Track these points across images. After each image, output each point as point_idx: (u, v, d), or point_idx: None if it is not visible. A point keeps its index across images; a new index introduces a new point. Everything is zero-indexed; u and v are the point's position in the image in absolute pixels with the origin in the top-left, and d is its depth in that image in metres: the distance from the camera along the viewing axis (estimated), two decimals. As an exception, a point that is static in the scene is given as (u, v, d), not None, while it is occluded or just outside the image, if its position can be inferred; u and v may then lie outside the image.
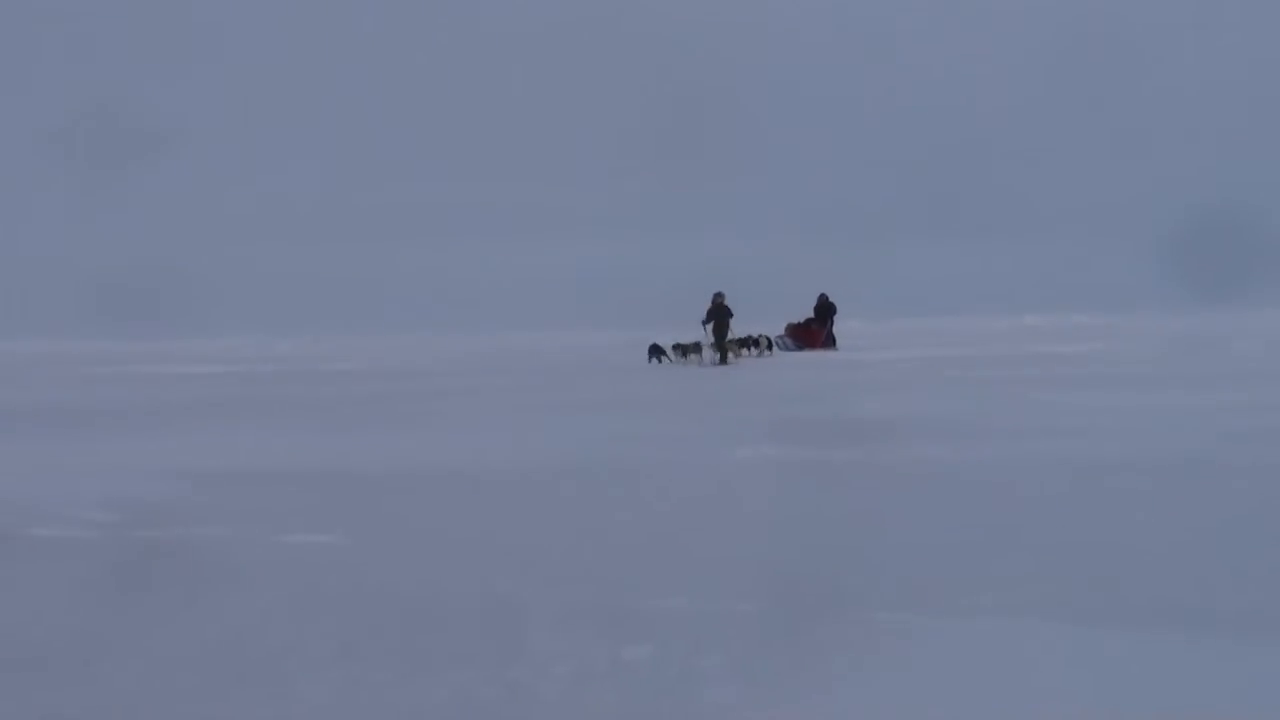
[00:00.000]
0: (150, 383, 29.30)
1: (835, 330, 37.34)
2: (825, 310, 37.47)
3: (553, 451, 12.48)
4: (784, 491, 9.67)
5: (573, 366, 30.38)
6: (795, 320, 37.33)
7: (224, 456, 12.56)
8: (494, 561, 7.17)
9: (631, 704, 4.72)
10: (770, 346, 34.36)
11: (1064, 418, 14.52)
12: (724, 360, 31.20)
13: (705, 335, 31.59)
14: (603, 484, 10.25)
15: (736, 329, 32.08)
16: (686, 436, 13.71)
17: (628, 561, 7.13)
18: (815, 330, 37.00)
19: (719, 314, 31.42)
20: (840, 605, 5.96)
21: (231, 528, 8.38)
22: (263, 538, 8.01)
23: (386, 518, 8.79)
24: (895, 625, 5.63)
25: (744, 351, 32.96)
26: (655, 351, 32.12)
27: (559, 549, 7.53)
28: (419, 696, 4.85)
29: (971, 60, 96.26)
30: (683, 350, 31.85)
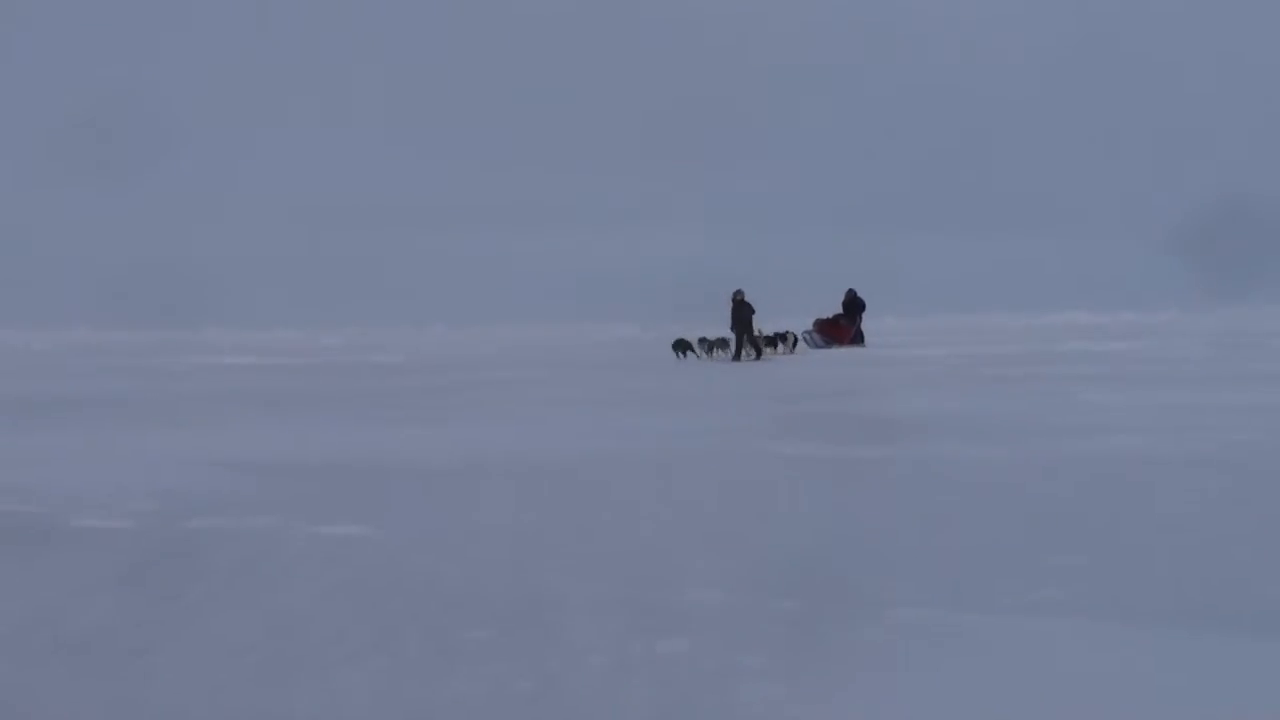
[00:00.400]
0: (193, 374, 29.58)
1: (863, 327, 37.16)
2: (853, 306, 37.26)
3: (590, 445, 12.51)
4: (822, 488, 9.66)
5: (605, 360, 30.45)
6: (823, 316, 37.14)
7: (266, 448, 12.66)
8: (531, 554, 7.21)
9: (667, 698, 4.74)
10: (797, 343, 34.21)
11: (1105, 416, 14.43)
12: (758, 355, 31.23)
13: (732, 336, 31.63)
14: (640, 477, 10.28)
15: (763, 325, 31.95)
16: (724, 431, 13.71)
17: (664, 555, 7.15)
18: (844, 326, 36.89)
19: (740, 311, 31.32)
20: (879, 603, 5.95)
21: (273, 519, 8.45)
22: (303, 529, 8.08)
23: (426, 510, 8.85)
24: (934, 623, 5.63)
25: (771, 349, 32.83)
26: (681, 346, 31.94)
27: (595, 542, 7.56)
28: (457, 688, 4.90)
29: (997, 53, 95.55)
30: (709, 345, 31.83)
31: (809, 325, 36.60)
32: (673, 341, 32.20)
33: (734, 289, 31.59)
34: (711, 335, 31.97)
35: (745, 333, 31.35)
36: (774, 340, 33.09)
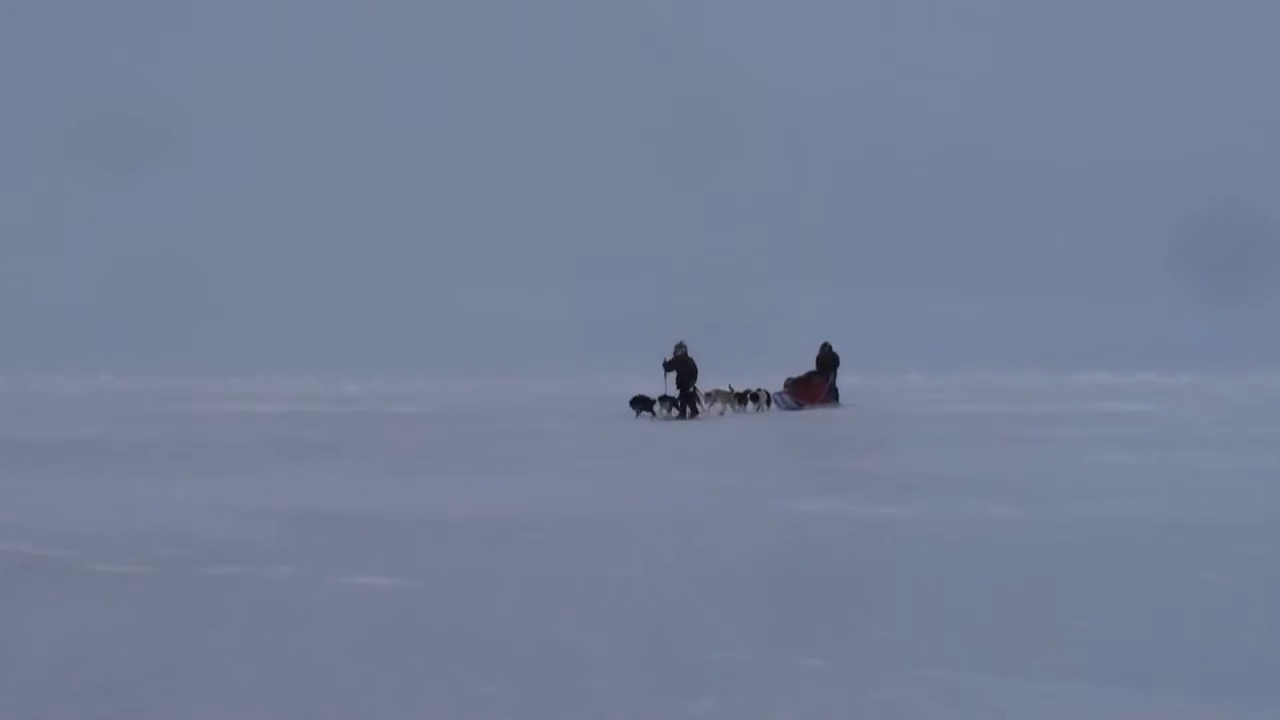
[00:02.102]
0: (217, 421, 29.68)
1: (839, 384, 34.93)
2: (828, 362, 34.62)
3: (613, 499, 12.50)
4: (844, 546, 9.63)
5: (626, 412, 30.21)
6: (794, 374, 34.58)
7: (289, 496, 12.68)
8: (555, 608, 7.19)
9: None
10: (769, 402, 32.77)
11: (1124, 478, 14.36)
12: (693, 414, 29.63)
13: (667, 384, 30.04)
14: (664, 533, 10.25)
15: (706, 382, 30.51)
16: (746, 487, 13.68)
17: (689, 612, 7.12)
18: (817, 384, 34.34)
19: (682, 366, 29.74)
20: (903, 663, 5.92)
21: (295, 568, 8.45)
22: (326, 579, 8.08)
23: (449, 562, 8.83)
24: (957, 684, 5.60)
25: (744, 407, 31.71)
26: (641, 404, 29.98)
27: (619, 597, 7.53)
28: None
29: (1007, 116, 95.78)
30: (669, 403, 30.02)
31: (780, 385, 34.29)
32: (631, 398, 30.20)
33: (676, 342, 30.05)
34: (673, 392, 30.12)
35: (683, 389, 29.77)
36: (744, 398, 31.99)
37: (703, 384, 30.48)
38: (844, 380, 35.26)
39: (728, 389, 31.57)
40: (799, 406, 33.38)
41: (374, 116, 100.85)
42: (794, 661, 5.94)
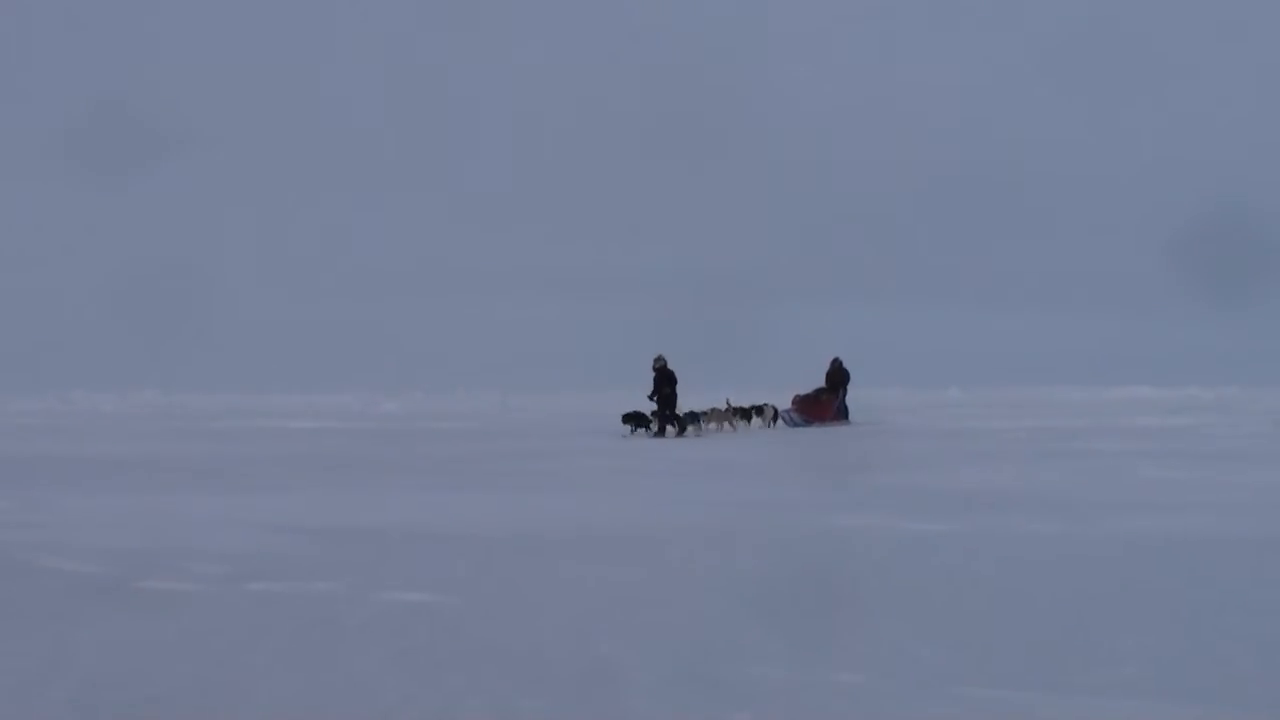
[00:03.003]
0: (256, 437, 29.88)
1: (849, 400, 33.75)
2: (837, 378, 33.58)
3: (651, 515, 12.52)
4: (885, 561, 9.60)
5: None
6: (802, 391, 33.59)
7: (329, 513, 12.76)
8: (594, 623, 7.21)
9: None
10: (776, 417, 31.97)
11: (1167, 492, 14.25)
12: (681, 432, 28.90)
13: (655, 400, 29.25)
14: (702, 549, 10.26)
15: (706, 399, 30.06)
16: (784, 501, 13.67)
17: (728, 627, 7.13)
18: (826, 401, 33.28)
19: (662, 379, 28.93)
20: (944, 679, 5.90)
21: (336, 584, 8.50)
22: (366, 595, 8.12)
23: (488, 578, 8.87)
24: (999, 702, 5.58)
25: (745, 422, 30.95)
26: (634, 420, 29.23)
27: (659, 612, 7.55)
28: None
29: (1023, 125, 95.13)
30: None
31: (788, 402, 33.37)
32: (624, 414, 29.46)
33: (655, 355, 29.32)
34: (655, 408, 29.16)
35: (668, 406, 29.01)
36: (749, 413, 31.23)
37: (686, 398, 29.65)
38: (866, 394, 34.72)
39: (725, 405, 30.78)
40: (807, 424, 32.48)
41: (374, 119, 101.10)
42: (832, 678, 5.94)
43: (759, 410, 31.56)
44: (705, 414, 30.08)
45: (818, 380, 33.80)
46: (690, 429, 29.38)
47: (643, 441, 26.90)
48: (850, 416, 33.41)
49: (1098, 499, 13.64)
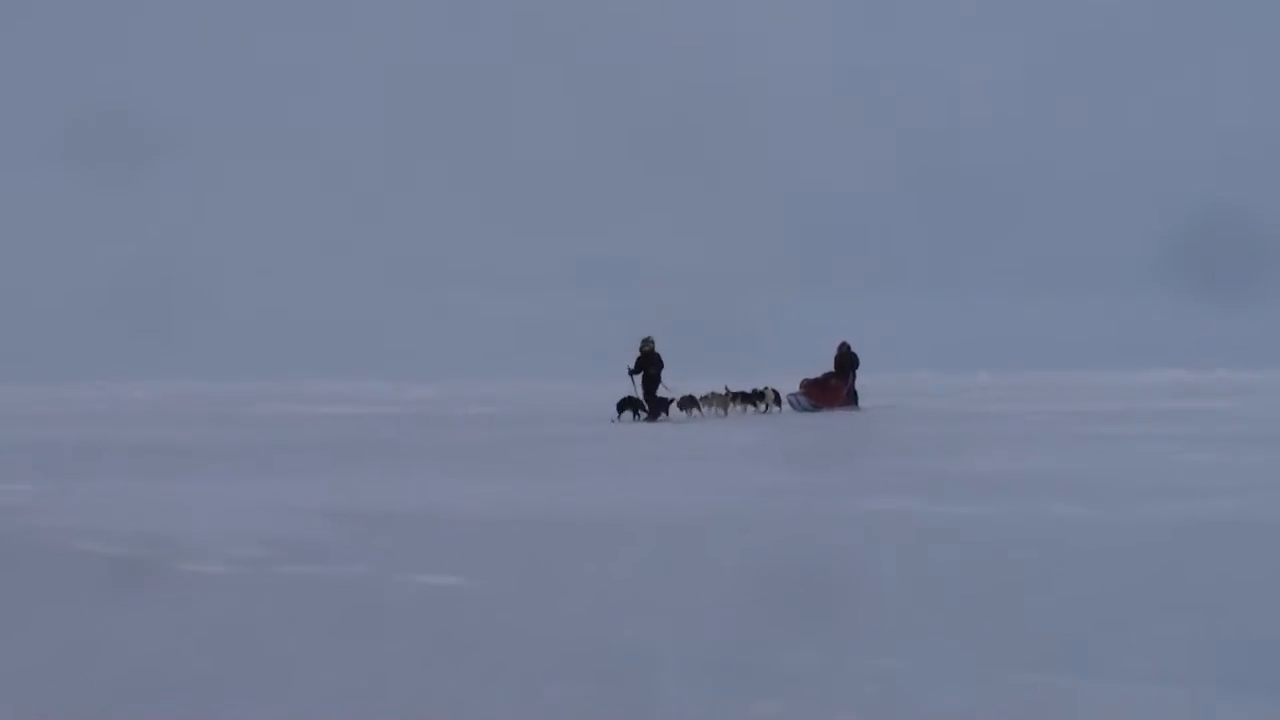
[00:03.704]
0: (290, 423, 30.04)
1: (858, 385, 32.98)
2: (846, 362, 32.85)
3: (684, 500, 12.52)
4: (920, 546, 9.58)
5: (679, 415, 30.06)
6: (810, 375, 32.84)
7: (363, 497, 12.82)
8: (624, 608, 7.22)
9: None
10: (778, 401, 31.17)
11: (1204, 477, 14.16)
12: (652, 417, 28.38)
13: (635, 387, 28.85)
14: (734, 534, 10.26)
15: (704, 384, 29.46)
16: (818, 486, 13.66)
17: (759, 612, 7.13)
18: (835, 386, 32.55)
19: (648, 363, 28.59)
20: (981, 664, 5.89)
21: (369, 567, 8.54)
22: (399, 578, 8.16)
23: (521, 562, 8.90)
24: (1039, 687, 5.56)
25: (747, 408, 30.32)
26: (630, 405, 28.75)
27: (688, 597, 7.56)
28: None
29: (1042, 110, 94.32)
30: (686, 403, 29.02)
31: (795, 385, 32.64)
32: (620, 399, 28.82)
33: (643, 337, 28.99)
34: (639, 393, 28.71)
35: (649, 389, 28.55)
36: (749, 398, 30.53)
37: (672, 380, 29.16)
38: (893, 379, 34.40)
39: (724, 390, 30.21)
40: (815, 409, 31.91)
41: (374, 118, 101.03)
42: (863, 663, 5.93)
43: (759, 395, 30.86)
44: (704, 398, 29.66)
45: (826, 365, 33.24)
46: (682, 413, 28.97)
47: (665, 427, 26.90)
48: (860, 402, 32.81)
49: (1132, 483, 13.56)
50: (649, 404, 28.80)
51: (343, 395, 48.35)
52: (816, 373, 32.93)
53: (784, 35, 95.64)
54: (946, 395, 42.62)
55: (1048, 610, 7.16)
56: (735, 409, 30.30)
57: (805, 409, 31.84)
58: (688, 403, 29.24)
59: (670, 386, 29.09)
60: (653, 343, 28.90)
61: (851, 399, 32.66)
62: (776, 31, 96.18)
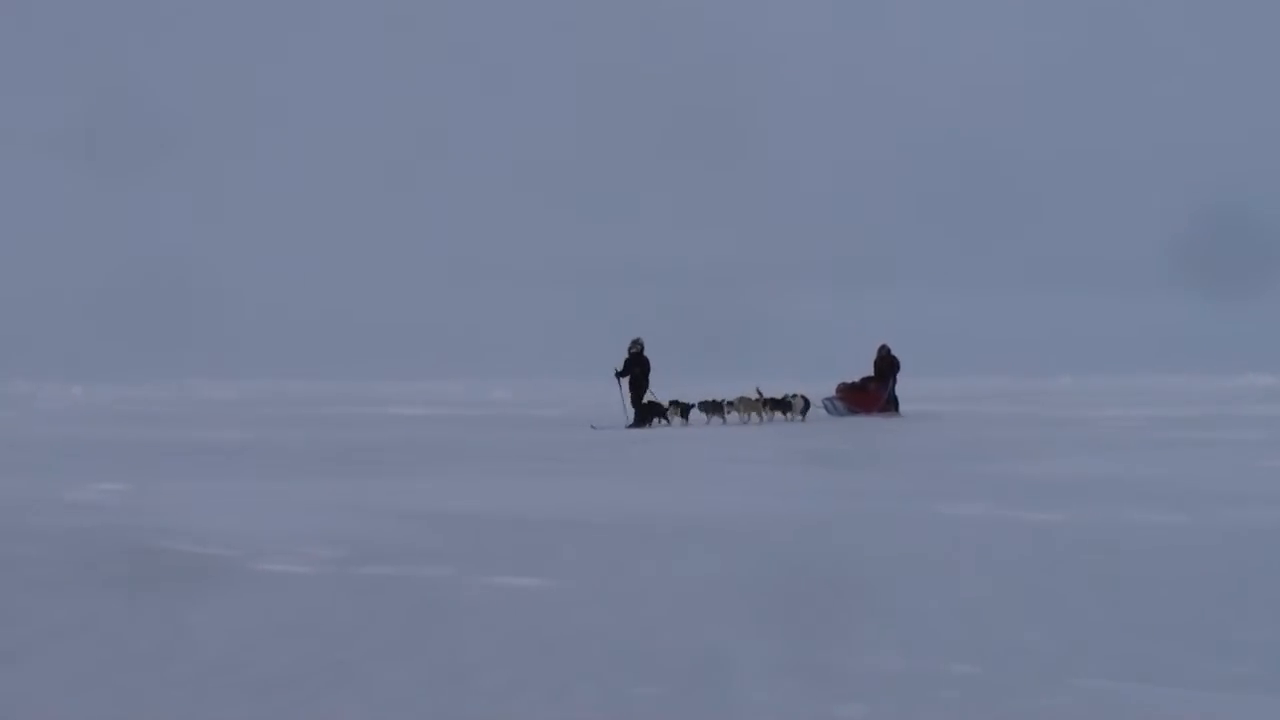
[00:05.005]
0: (366, 424, 30.33)
1: (898, 391, 31.70)
2: (886, 366, 31.57)
3: (760, 504, 12.49)
4: (998, 551, 9.48)
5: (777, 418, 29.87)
6: (848, 379, 31.68)
7: (440, 498, 12.90)
8: (704, 611, 7.21)
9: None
10: (807, 408, 29.43)
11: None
12: (637, 421, 27.17)
13: (621, 391, 27.72)
14: (811, 538, 10.22)
15: (733, 388, 28.64)
16: (891, 491, 13.54)
17: (839, 616, 7.09)
18: (873, 392, 31.32)
19: (637, 365, 27.33)
20: (1061, 672, 5.81)
21: (447, 568, 8.59)
22: (478, 580, 8.20)
23: (599, 564, 8.91)
24: (1119, 695, 5.48)
25: (775, 415, 28.97)
26: (654, 411, 27.65)
27: (768, 600, 7.53)
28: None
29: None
30: (681, 409, 27.96)
31: (831, 390, 31.51)
32: (642, 404, 27.63)
33: (632, 338, 27.77)
34: (627, 397, 27.60)
35: (637, 392, 27.34)
36: (779, 405, 29.18)
37: (717, 388, 28.44)
38: (968, 382, 33.33)
39: (755, 395, 29.16)
40: (852, 413, 30.85)
41: (377, 118, 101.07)
42: (943, 668, 5.88)
43: (787, 403, 29.52)
44: (732, 403, 28.82)
45: (863, 369, 32.05)
46: (703, 418, 28.16)
47: (738, 429, 26.82)
48: (900, 408, 31.55)
49: (1217, 489, 13.34)
50: (635, 409, 27.50)
51: (421, 396, 48.72)
52: (855, 377, 31.83)
53: (790, 28, 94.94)
54: (1022, 399, 42.14)
55: (1132, 617, 7.05)
56: (764, 415, 29.10)
57: (841, 414, 30.90)
58: (712, 408, 28.46)
59: (654, 392, 27.81)
60: (642, 344, 27.78)
61: (891, 405, 31.48)
62: (782, 25, 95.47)
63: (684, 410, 27.97)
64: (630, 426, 27.10)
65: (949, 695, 5.47)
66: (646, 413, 27.56)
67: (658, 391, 28.06)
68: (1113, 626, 6.79)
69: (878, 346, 31.86)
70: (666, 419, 27.66)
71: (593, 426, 26.44)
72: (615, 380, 27.86)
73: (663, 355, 28.34)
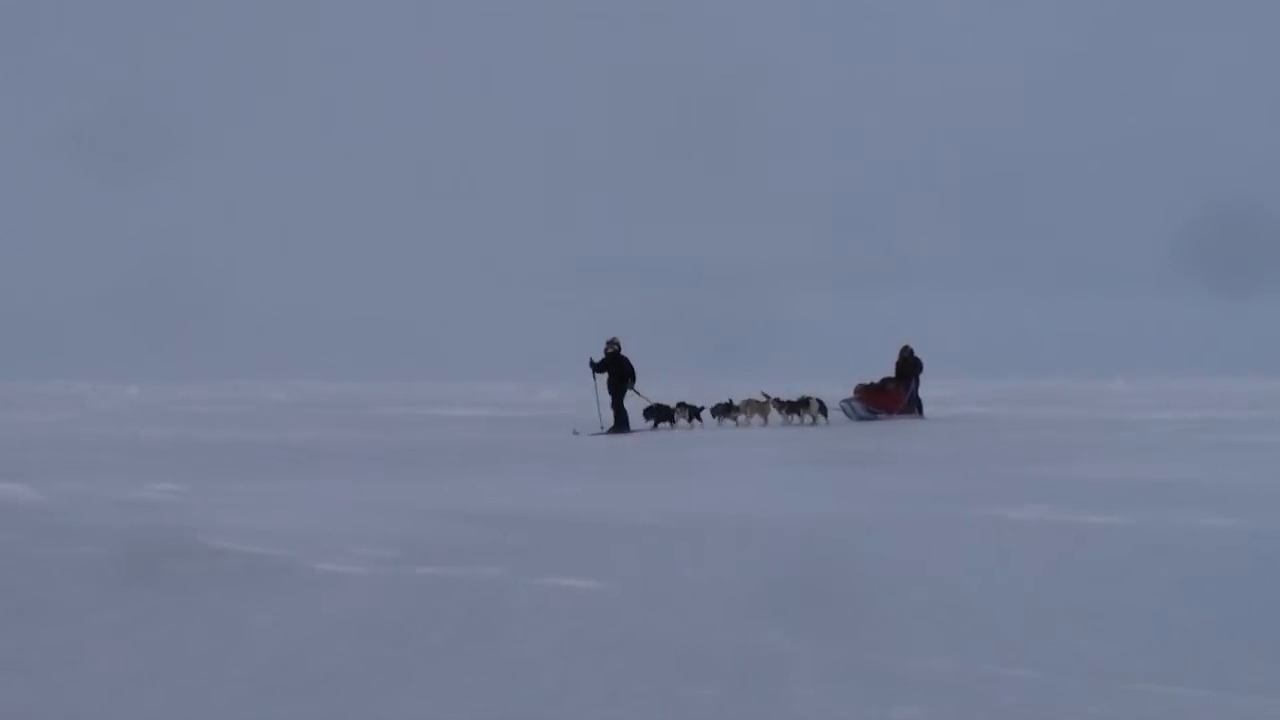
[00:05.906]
0: (420, 425, 30.46)
1: (920, 393, 30.62)
2: (908, 367, 30.58)
3: (814, 506, 12.44)
4: (1055, 555, 9.41)
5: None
6: (868, 380, 30.64)
7: (494, 499, 12.95)
8: (757, 612, 7.20)
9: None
10: (824, 411, 28.41)
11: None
12: (618, 427, 25.80)
13: (596, 387, 26.19)
14: (866, 540, 10.18)
15: (741, 390, 27.87)
16: (946, 493, 13.45)
17: (895, 619, 7.06)
18: (894, 393, 30.26)
19: (614, 366, 25.96)
20: (1118, 676, 5.76)
21: (502, 569, 8.62)
22: (532, 581, 8.23)
23: (653, 565, 8.92)
24: (1178, 700, 5.43)
25: (791, 418, 27.97)
26: (660, 414, 26.77)
27: (823, 603, 7.51)
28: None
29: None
30: (689, 412, 27.14)
31: (849, 392, 30.35)
32: (646, 409, 26.56)
33: (609, 338, 26.29)
34: (605, 398, 26.11)
35: (617, 395, 26.00)
36: (796, 407, 28.20)
37: (731, 389, 27.75)
38: (1030, 385, 32.74)
39: (763, 397, 28.39)
40: (873, 416, 29.89)
41: (375, 118, 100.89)
42: (1001, 672, 5.84)
43: (804, 404, 28.34)
44: (740, 406, 28.05)
45: (886, 370, 31.02)
46: (715, 420, 27.41)
47: (785, 430, 26.64)
48: (923, 410, 30.56)
49: (1271, 493, 13.17)
50: (614, 411, 26.11)
51: (472, 397, 48.90)
52: (873, 378, 30.76)
53: (791, 28, 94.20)
54: (1073, 401, 41.75)
55: (1190, 621, 6.98)
56: (783, 416, 28.25)
57: (861, 417, 29.89)
58: (724, 410, 27.81)
59: (641, 392, 26.51)
60: (619, 344, 26.29)
61: (914, 406, 30.56)
62: (782, 25, 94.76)
63: (693, 413, 27.35)
64: (610, 431, 25.68)
65: (1008, 700, 5.43)
66: (652, 415, 26.70)
67: (651, 395, 26.99)
68: (1171, 630, 6.73)
69: (900, 347, 31.00)
70: (673, 422, 27.03)
71: (575, 432, 25.25)
72: (591, 375, 26.28)
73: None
